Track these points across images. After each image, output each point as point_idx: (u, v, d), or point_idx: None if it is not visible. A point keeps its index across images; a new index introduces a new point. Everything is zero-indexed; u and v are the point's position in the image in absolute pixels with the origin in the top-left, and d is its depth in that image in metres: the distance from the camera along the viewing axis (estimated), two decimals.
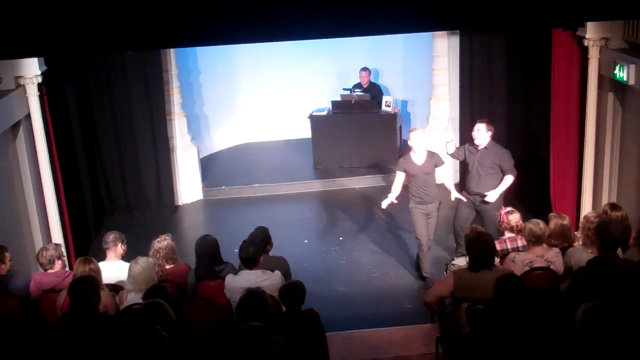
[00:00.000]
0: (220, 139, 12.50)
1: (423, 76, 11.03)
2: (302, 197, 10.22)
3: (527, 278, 5.35)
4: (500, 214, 6.55)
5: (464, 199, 7.46)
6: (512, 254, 5.82)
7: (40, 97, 7.51)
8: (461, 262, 5.78)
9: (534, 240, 5.71)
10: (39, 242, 7.63)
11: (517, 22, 4.63)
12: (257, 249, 5.81)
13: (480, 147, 7.35)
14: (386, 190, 10.46)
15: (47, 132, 7.67)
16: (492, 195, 7.25)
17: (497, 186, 7.30)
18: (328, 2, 3.67)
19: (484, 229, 5.79)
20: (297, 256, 8.37)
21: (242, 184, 10.72)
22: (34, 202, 7.66)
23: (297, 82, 12.29)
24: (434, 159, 7.36)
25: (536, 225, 5.72)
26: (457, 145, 7.88)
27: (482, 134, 7.32)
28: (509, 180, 7.32)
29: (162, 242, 6.25)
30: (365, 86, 11.32)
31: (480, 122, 7.45)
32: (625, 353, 3.84)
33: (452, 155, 7.65)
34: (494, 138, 7.41)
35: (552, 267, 5.64)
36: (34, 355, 4.27)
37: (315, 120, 11.10)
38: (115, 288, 5.90)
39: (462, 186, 7.95)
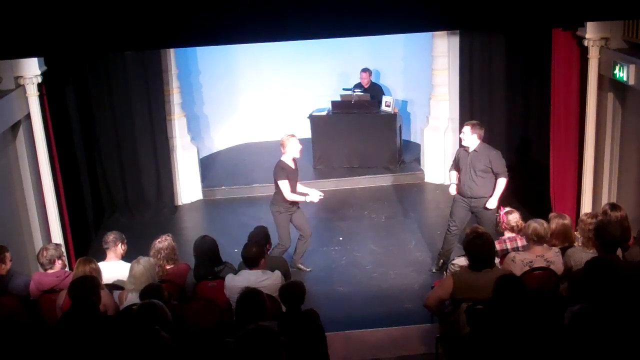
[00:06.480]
0: (220, 139, 12.50)
1: (423, 76, 11.02)
2: None
3: (527, 278, 5.35)
4: (500, 214, 6.55)
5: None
6: (512, 254, 5.82)
7: (40, 97, 7.51)
8: (462, 262, 5.77)
9: (537, 239, 5.70)
10: (39, 242, 7.63)
11: (517, 22, 4.64)
12: (259, 249, 5.82)
13: (470, 150, 7.35)
14: (385, 190, 10.55)
15: (47, 132, 7.66)
16: (492, 203, 7.25)
17: (490, 189, 7.29)
18: (328, 2, 3.67)
19: (484, 229, 5.79)
20: None
21: (242, 184, 10.72)
22: (34, 202, 7.65)
23: (297, 82, 12.28)
24: None
25: (540, 224, 5.71)
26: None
27: (467, 136, 7.32)
28: (502, 183, 7.29)
29: (163, 242, 6.26)
30: (366, 87, 11.32)
31: (466, 124, 7.47)
32: (622, 354, 3.85)
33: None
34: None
35: (552, 267, 5.64)
36: (34, 355, 4.27)
37: (315, 120, 11.10)
38: (116, 288, 5.91)
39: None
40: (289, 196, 7.55)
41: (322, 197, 7.83)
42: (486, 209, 7.28)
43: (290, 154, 7.63)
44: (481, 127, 7.37)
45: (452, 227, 7.58)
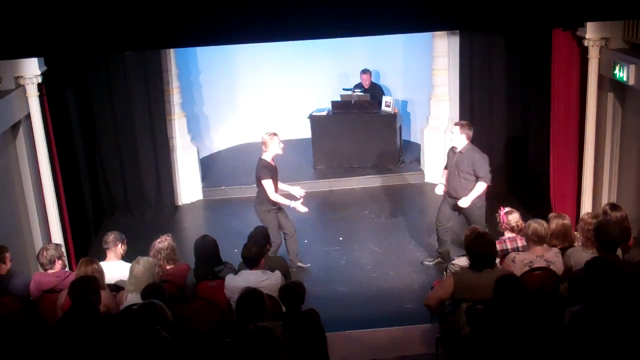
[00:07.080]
0: (220, 139, 12.50)
1: (423, 76, 11.02)
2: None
3: (527, 278, 5.35)
4: (500, 214, 6.55)
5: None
6: (512, 254, 5.82)
7: (40, 97, 7.51)
8: (462, 262, 5.77)
9: (537, 239, 5.69)
10: (39, 242, 7.63)
11: (517, 22, 4.63)
12: (259, 249, 5.82)
13: (456, 150, 7.34)
14: (385, 190, 10.55)
15: (47, 132, 7.67)
16: (464, 202, 7.25)
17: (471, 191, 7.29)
18: (328, 2, 3.66)
19: (484, 229, 5.80)
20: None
21: (242, 184, 10.72)
22: (34, 202, 7.65)
23: (297, 82, 12.28)
24: None
25: (540, 225, 5.71)
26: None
27: (456, 137, 7.30)
28: (481, 187, 7.26)
29: (163, 242, 6.26)
30: (366, 87, 11.32)
31: (456, 124, 7.47)
32: (622, 354, 3.85)
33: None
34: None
35: (552, 267, 5.64)
36: (34, 355, 4.27)
37: (315, 121, 11.10)
38: (116, 288, 5.91)
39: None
40: (273, 196, 7.52)
41: (306, 212, 7.79)
42: (458, 206, 7.30)
43: (272, 153, 7.58)
44: (470, 128, 7.35)
45: (437, 223, 7.69)
